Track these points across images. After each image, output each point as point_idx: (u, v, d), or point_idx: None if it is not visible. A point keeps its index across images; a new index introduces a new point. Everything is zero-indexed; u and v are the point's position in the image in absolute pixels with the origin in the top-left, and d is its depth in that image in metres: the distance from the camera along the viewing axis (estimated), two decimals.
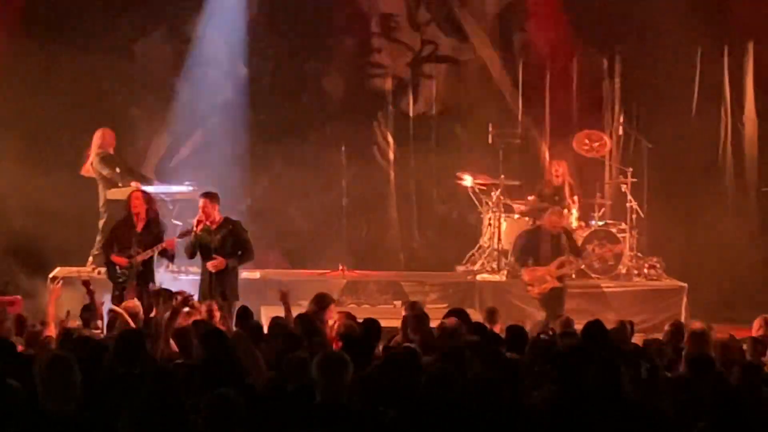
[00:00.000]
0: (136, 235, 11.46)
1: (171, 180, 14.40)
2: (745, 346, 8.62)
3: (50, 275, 12.97)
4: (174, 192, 13.88)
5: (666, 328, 9.33)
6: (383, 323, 9.10)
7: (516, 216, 14.41)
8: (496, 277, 14.13)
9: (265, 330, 8.77)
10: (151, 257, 11.46)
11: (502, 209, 14.37)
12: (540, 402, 6.24)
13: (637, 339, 9.48)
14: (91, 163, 13.72)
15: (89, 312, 9.86)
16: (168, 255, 11.58)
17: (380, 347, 8.49)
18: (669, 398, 6.37)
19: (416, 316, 8.96)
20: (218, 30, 15.34)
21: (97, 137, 13.81)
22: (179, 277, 12.85)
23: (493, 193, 14.44)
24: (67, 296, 10.30)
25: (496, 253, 14.30)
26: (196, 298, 10.78)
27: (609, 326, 8.69)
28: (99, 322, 9.74)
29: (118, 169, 13.68)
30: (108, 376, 6.70)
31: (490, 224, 14.48)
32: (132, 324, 8.98)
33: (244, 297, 11.35)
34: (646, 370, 6.62)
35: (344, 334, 8.30)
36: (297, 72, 15.93)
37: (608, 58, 15.82)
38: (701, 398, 6.28)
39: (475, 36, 15.90)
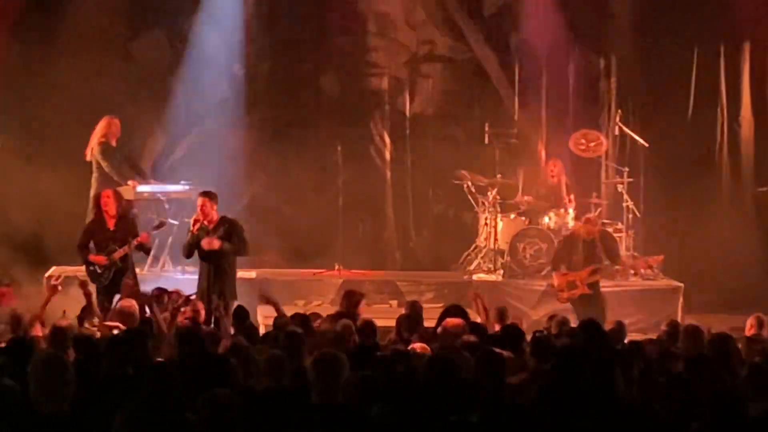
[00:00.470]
0: (110, 233, 11.59)
1: (167, 179, 14.39)
2: (740, 345, 8.63)
3: (46, 275, 12.95)
4: (170, 191, 13.87)
5: (662, 327, 9.34)
6: (379, 323, 9.12)
7: (512, 216, 14.40)
8: (492, 277, 14.13)
9: (264, 330, 8.77)
10: (127, 254, 11.56)
11: (498, 209, 14.37)
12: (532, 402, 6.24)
13: (633, 339, 9.49)
14: (92, 150, 13.66)
15: (85, 312, 9.86)
16: (144, 249, 11.82)
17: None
18: (664, 398, 6.37)
19: (408, 315, 8.98)
20: (215, 29, 15.33)
21: (101, 125, 13.64)
22: (175, 276, 12.88)
23: (489, 193, 14.44)
24: (62, 296, 10.26)
25: (492, 252, 14.31)
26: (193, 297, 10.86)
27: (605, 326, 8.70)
28: (95, 320, 9.73)
29: (112, 164, 13.57)
30: (103, 376, 6.69)
31: (486, 224, 14.47)
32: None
33: (239, 297, 11.35)
34: (641, 370, 6.63)
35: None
36: (293, 71, 15.90)
37: (604, 57, 15.83)
38: (697, 398, 6.28)
39: (471, 35, 15.89)
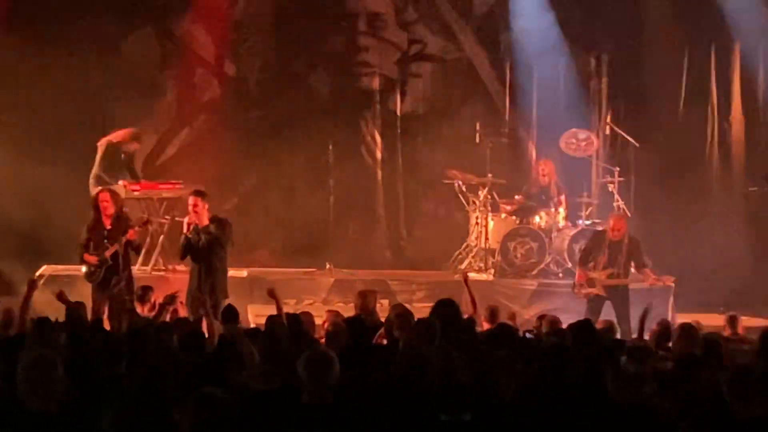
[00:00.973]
0: (106, 232, 11.64)
1: (158, 178, 14.36)
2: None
3: (36, 273, 12.91)
4: (161, 190, 13.85)
5: (653, 326, 9.34)
6: None
7: (503, 215, 14.40)
8: (483, 276, 14.13)
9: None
10: (117, 251, 11.56)
11: (489, 208, 14.37)
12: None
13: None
14: (100, 145, 13.66)
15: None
16: (133, 246, 11.84)
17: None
18: (655, 397, 6.37)
19: (399, 315, 8.97)
20: (206, 28, 15.31)
21: (128, 132, 13.71)
22: (167, 275, 12.90)
23: (480, 192, 14.45)
24: (48, 297, 10.20)
25: (483, 252, 14.31)
26: (184, 295, 10.87)
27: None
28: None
29: (104, 165, 13.55)
30: (94, 375, 6.67)
31: (477, 223, 14.47)
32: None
33: (230, 296, 11.34)
34: (632, 369, 6.62)
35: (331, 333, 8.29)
36: (284, 70, 15.91)
37: (595, 57, 15.85)
38: (688, 396, 6.28)
39: (462, 35, 15.90)
